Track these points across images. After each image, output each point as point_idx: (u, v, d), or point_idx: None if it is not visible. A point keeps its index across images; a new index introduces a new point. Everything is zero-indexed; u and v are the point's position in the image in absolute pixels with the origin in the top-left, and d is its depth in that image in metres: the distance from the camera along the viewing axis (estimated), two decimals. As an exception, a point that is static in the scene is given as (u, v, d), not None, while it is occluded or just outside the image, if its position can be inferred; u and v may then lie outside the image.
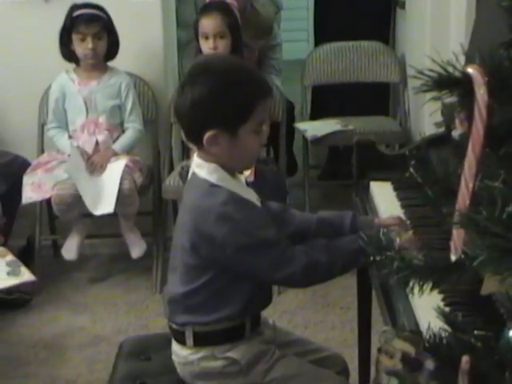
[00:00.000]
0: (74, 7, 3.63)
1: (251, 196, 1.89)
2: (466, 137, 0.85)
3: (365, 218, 2.10)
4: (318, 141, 4.31)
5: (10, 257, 2.71)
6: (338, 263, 1.84)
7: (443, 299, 1.50)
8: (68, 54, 3.65)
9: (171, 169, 3.86)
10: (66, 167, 3.52)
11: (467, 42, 3.33)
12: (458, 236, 0.81)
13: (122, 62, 3.76)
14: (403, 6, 4.70)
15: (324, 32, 4.98)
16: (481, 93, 0.82)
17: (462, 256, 0.83)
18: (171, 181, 3.67)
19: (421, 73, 0.85)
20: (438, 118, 1.03)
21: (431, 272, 0.87)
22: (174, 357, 1.98)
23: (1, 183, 3.58)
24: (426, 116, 3.94)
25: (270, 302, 1.99)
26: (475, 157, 0.82)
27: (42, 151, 3.83)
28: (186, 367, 1.95)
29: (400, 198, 2.29)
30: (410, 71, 4.48)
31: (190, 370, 1.94)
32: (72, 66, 3.74)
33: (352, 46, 4.58)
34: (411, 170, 0.91)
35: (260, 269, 1.82)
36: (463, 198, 0.82)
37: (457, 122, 0.87)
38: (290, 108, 4.63)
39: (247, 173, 3.09)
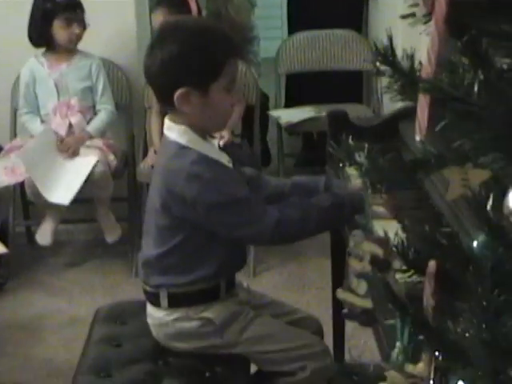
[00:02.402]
0: None
1: (222, 158, 1.89)
2: (429, 15, 0.87)
3: (338, 182, 2.12)
4: (293, 127, 4.34)
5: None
6: (311, 220, 1.86)
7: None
8: (44, 37, 3.63)
9: (145, 154, 3.86)
10: (24, 153, 3.47)
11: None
12: (421, 114, 0.83)
13: (95, 47, 3.76)
14: (376, -5, 4.74)
15: (297, 22, 5.01)
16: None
17: (427, 147, 0.84)
18: (146, 165, 3.67)
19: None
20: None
21: (399, 171, 0.89)
22: (148, 319, 1.99)
23: (-27, 168, 3.56)
24: (399, 102, 3.97)
25: (244, 263, 2.02)
26: (438, 32, 0.84)
27: (14, 136, 3.82)
28: (160, 328, 1.96)
29: (373, 166, 2.32)
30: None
31: (165, 331, 1.96)
32: (40, 50, 3.72)
33: (325, 34, 4.62)
34: (377, 64, 0.93)
35: (231, 226, 1.84)
36: (426, 71, 0.85)
37: (420, 1, 0.89)
38: (264, 99, 4.65)
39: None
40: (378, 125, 2.56)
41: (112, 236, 3.68)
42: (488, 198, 0.81)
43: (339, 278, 2.63)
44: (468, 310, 0.74)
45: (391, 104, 4.27)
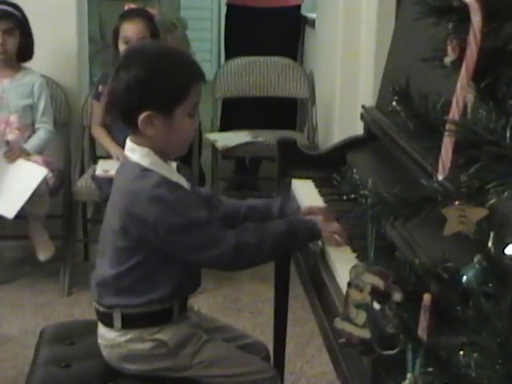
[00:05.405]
0: None
1: (182, 181, 1.91)
2: (456, 62, 0.90)
3: (291, 206, 2.15)
4: (228, 151, 4.36)
5: None
6: (266, 245, 1.88)
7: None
8: None
9: (82, 172, 3.83)
10: None
11: (375, 61, 3.48)
12: (446, 154, 0.86)
13: (36, 63, 3.72)
14: (313, 25, 4.82)
15: (234, 49, 5.06)
16: (476, 20, 0.88)
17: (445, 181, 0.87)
18: (83, 183, 3.64)
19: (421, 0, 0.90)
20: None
21: (404, 206, 0.91)
22: (100, 340, 1.96)
23: None
24: (335, 130, 4.05)
25: (198, 285, 2.01)
26: (468, 77, 0.88)
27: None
28: (113, 350, 1.94)
29: (322, 194, 2.36)
30: (318, 87, 4.60)
31: (117, 353, 1.93)
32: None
33: (262, 61, 4.67)
34: (394, 104, 0.95)
35: (190, 249, 1.84)
36: (453, 115, 0.88)
37: (449, 49, 0.92)
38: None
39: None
40: (326, 153, 2.60)
41: (45, 254, 3.62)
42: (489, 235, 0.84)
43: (282, 303, 2.66)
44: (479, 345, 0.76)
45: (326, 132, 4.37)
